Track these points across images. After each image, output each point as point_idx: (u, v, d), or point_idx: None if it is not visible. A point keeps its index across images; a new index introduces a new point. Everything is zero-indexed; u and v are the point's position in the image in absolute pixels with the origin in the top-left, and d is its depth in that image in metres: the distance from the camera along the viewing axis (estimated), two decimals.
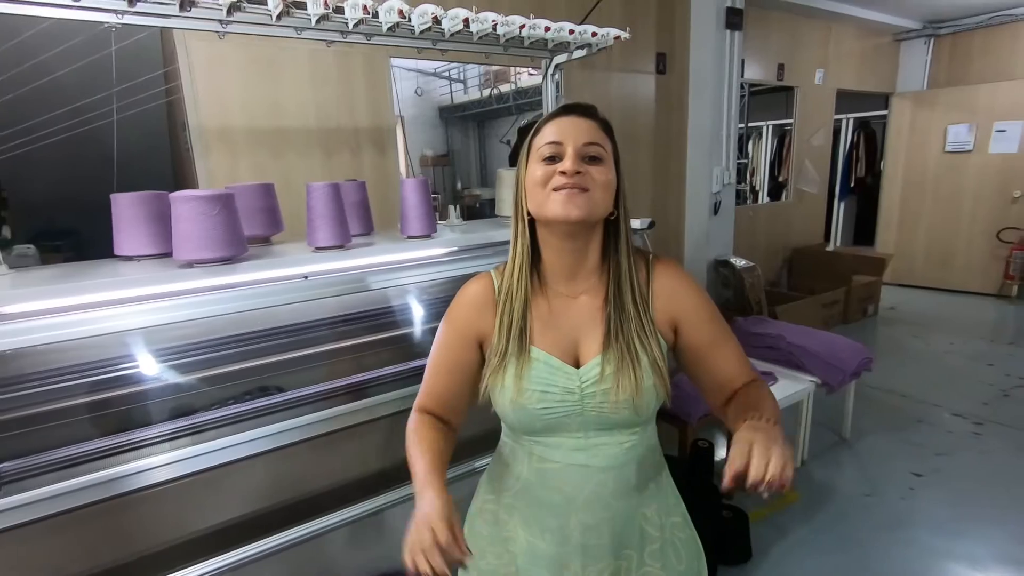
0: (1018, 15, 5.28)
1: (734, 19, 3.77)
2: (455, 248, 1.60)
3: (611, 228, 0.89)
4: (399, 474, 1.48)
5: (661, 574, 0.95)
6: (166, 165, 3.35)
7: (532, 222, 0.89)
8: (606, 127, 0.88)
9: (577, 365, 0.88)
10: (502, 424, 0.99)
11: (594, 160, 0.84)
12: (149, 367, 1.23)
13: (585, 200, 0.82)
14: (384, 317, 1.55)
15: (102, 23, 1.22)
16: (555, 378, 0.87)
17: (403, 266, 1.47)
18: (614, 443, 0.89)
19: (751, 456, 0.69)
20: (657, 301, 0.91)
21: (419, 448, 0.88)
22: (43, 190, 3.15)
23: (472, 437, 1.20)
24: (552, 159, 0.83)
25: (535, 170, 0.85)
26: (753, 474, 0.68)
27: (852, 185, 6.90)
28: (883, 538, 2.22)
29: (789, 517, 2.36)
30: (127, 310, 1.10)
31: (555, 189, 0.82)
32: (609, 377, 0.85)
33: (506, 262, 0.93)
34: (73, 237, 3.33)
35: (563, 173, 0.81)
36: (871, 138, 6.80)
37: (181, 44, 2.23)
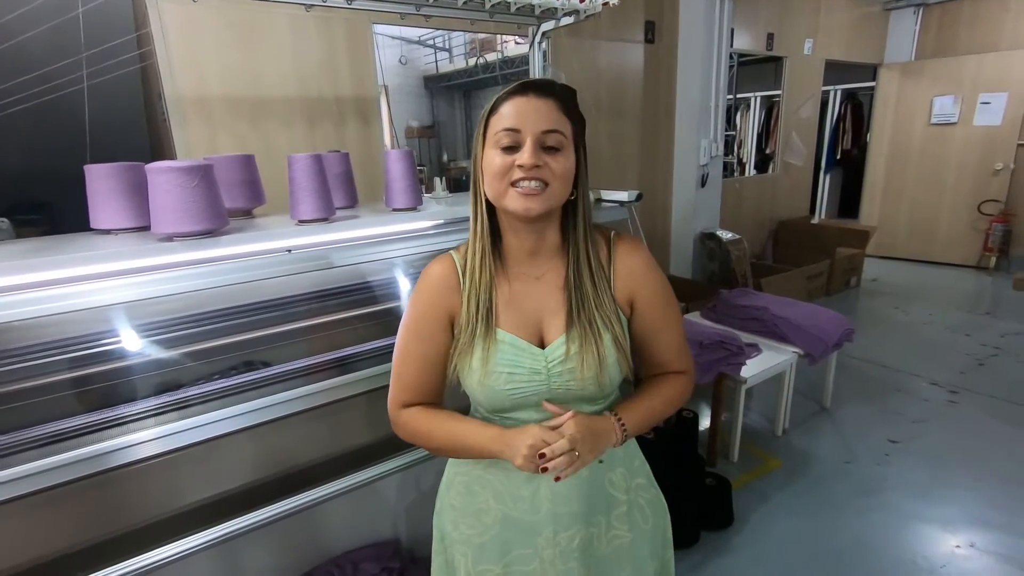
0: None
1: None
2: (441, 221, 1.58)
3: (570, 208, 0.89)
4: (384, 447, 1.49)
5: (628, 535, 0.99)
6: (142, 135, 3.26)
7: (490, 203, 0.88)
8: (567, 104, 0.84)
9: (542, 345, 0.90)
10: (471, 400, 1.01)
11: (552, 150, 0.82)
12: (131, 342, 1.22)
13: (544, 196, 0.82)
14: (369, 291, 1.54)
15: None
16: (521, 359, 0.88)
17: (388, 239, 1.45)
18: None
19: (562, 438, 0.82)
20: (618, 280, 0.92)
21: (448, 426, 0.91)
22: (14, 161, 3.05)
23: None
24: (510, 149, 0.81)
25: (493, 157, 0.83)
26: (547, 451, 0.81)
27: (838, 157, 6.92)
28: (860, 502, 2.30)
29: (770, 483, 2.43)
30: (107, 284, 1.08)
31: (513, 183, 0.82)
32: (574, 356, 0.87)
33: (466, 243, 0.93)
34: (47, 210, 3.25)
35: (521, 166, 0.80)
36: (858, 110, 6.80)
37: (153, 7, 2.14)
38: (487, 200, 0.87)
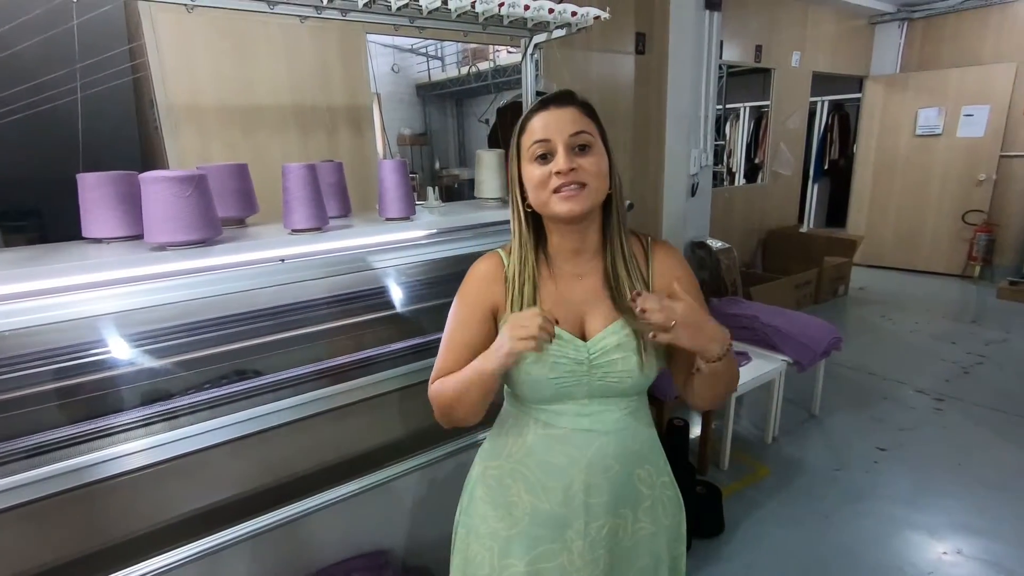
0: (988, 0, 5.37)
1: (713, 0, 3.76)
2: (434, 230, 1.59)
3: (607, 206, 0.95)
4: (376, 457, 1.49)
5: (651, 528, 1.04)
6: (134, 144, 3.24)
7: (530, 211, 0.94)
8: (588, 109, 0.91)
9: (584, 339, 0.94)
10: (505, 396, 1.07)
11: (584, 149, 0.88)
12: (122, 353, 1.21)
13: (584, 195, 0.88)
14: (362, 300, 1.54)
15: None
16: (565, 350, 0.92)
17: (382, 249, 1.46)
18: (616, 409, 0.96)
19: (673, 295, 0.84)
20: (656, 279, 0.98)
21: (457, 375, 0.94)
22: (3, 169, 3.03)
23: None
24: (544, 157, 0.88)
25: (531, 171, 0.90)
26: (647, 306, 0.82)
27: (826, 167, 7.01)
28: (848, 510, 2.32)
29: (760, 491, 2.44)
30: (98, 294, 1.08)
31: (555, 191, 0.88)
32: (614, 349, 0.92)
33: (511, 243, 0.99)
34: (37, 217, 3.23)
35: (558, 173, 0.86)
36: (844, 121, 6.90)
37: (147, 18, 2.14)
38: (527, 211, 0.94)
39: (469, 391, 0.93)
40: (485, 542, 1.03)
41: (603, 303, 0.95)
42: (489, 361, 0.88)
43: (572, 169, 0.86)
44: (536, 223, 0.97)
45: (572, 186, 0.87)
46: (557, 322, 0.87)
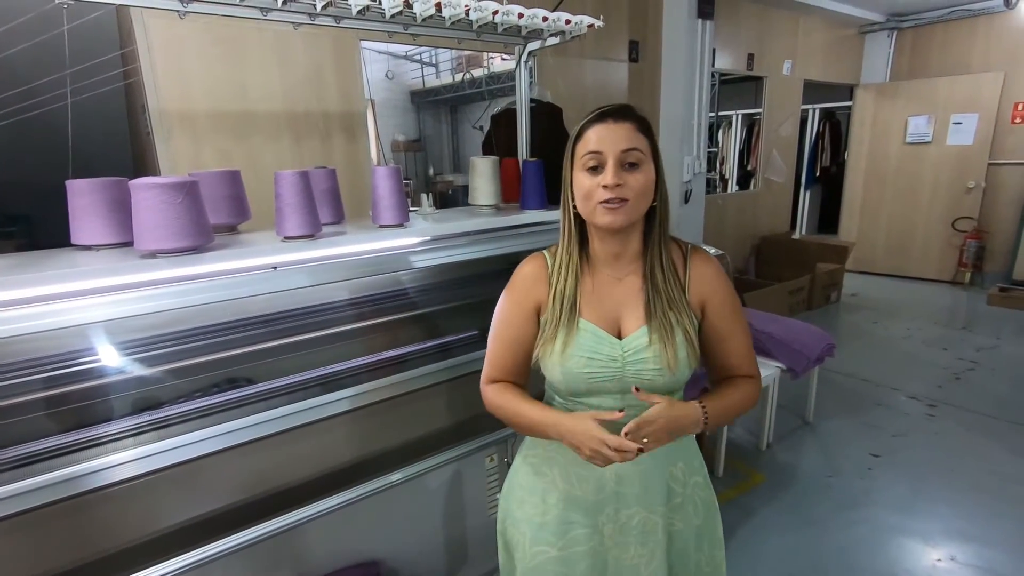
0: (975, 10, 5.44)
1: (706, 8, 3.79)
2: (428, 238, 1.59)
3: (651, 216, 1.00)
4: (368, 467, 1.47)
5: (680, 526, 1.08)
6: (125, 149, 3.22)
7: (579, 216, 1.00)
8: (643, 125, 0.96)
9: (620, 337, 1.00)
10: (546, 387, 1.11)
11: (633, 166, 0.94)
12: (111, 361, 1.19)
13: (625, 211, 0.94)
14: (354, 308, 1.53)
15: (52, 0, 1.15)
16: (600, 347, 0.98)
17: (375, 256, 1.45)
18: (647, 405, 0.98)
19: (642, 422, 0.92)
20: (692, 285, 1.03)
21: (517, 403, 1.03)
22: None
23: (475, 416, 1.24)
24: (595, 169, 0.94)
25: (581, 179, 0.95)
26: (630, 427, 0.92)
27: (817, 174, 7.07)
28: (843, 516, 2.32)
29: (755, 498, 2.44)
30: (87, 302, 1.06)
31: (600, 202, 0.93)
32: (648, 348, 0.97)
33: (557, 244, 1.06)
34: (25, 223, 3.19)
35: (605, 187, 0.92)
36: (836, 128, 6.97)
37: (139, 23, 2.13)
38: (576, 213, 1.00)
39: (522, 428, 1.05)
40: (521, 526, 1.10)
41: (639, 305, 1.00)
42: (551, 434, 0.98)
43: (618, 185, 0.91)
44: (581, 225, 1.02)
45: (615, 201, 0.92)
46: (622, 411, 0.94)
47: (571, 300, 1.00)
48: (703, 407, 0.98)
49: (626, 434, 0.90)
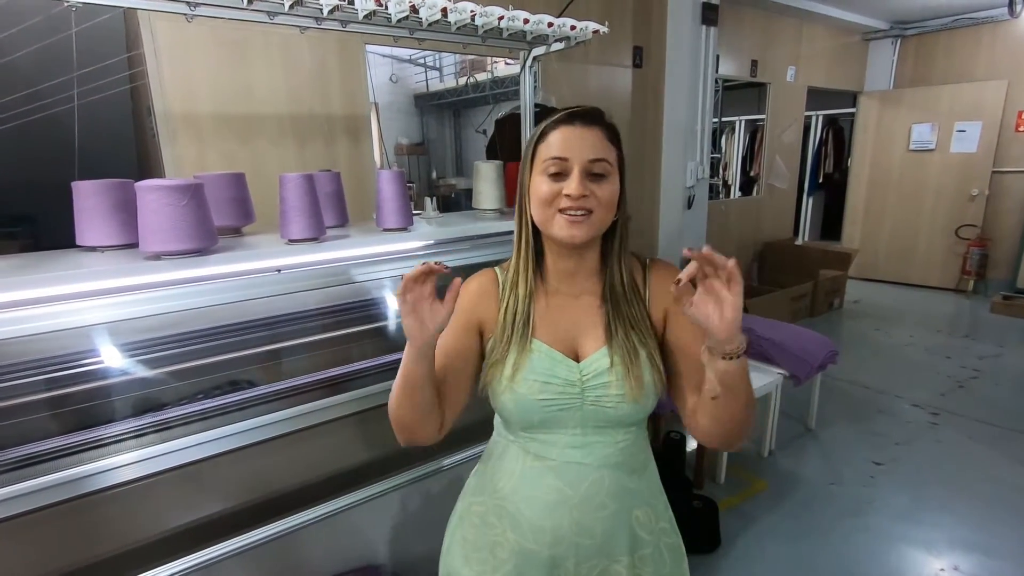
0: (979, 19, 5.45)
1: (710, 15, 3.80)
2: (432, 241, 1.59)
3: (611, 230, 0.91)
4: (370, 470, 1.47)
5: None
6: (130, 150, 3.23)
7: (535, 225, 0.90)
8: (612, 133, 0.88)
9: (577, 360, 0.90)
10: (495, 423, 1.00)
11: (599, 177, 0.85)
12: (114, 362, 1.19)
13: (589, 224, 0.84)
14: (359, 311, 1.53)
15: (62, 2, 1.16)
16: (557, 370, 0.88)
17: (379, 259, 1.45)
18: (610, 441, 0.91)
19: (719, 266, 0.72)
20: (653, 298, 0.94)
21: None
22: None
23: (471, 423, 1.16)
24: (558, 175, 0.84)
25: (540, 184, 0.85)
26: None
27: (820, 181, 7.06)
28: (845, 525, 2.31)
29: (756, 505, 2.43)
30: (92, 303, 1.07)
31: (560, 210, 0.84)
32: (608, 371, 0.87)
33: (509, 259, 0.96)
34: (29, 224, 3.20)
35: (568, 196, 0.83)
36: (839, 135, 6.96)
37: (146, 26, 2.14)
38: (533, 224, 0.89)
39: (405, 391, 0.85)
40: None
41: (598, 325, 0.91)
42: (408, 354, 0.81)
43: (583, 195, 0.83)
44: (538, 237, 0.92)
45: (579, 212, 0.83)
46: (447, 269, 0.78)
47: (524, 317, 0.90)
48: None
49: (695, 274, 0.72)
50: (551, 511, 0.90)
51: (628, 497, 0.93)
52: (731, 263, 0.71)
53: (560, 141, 0.84)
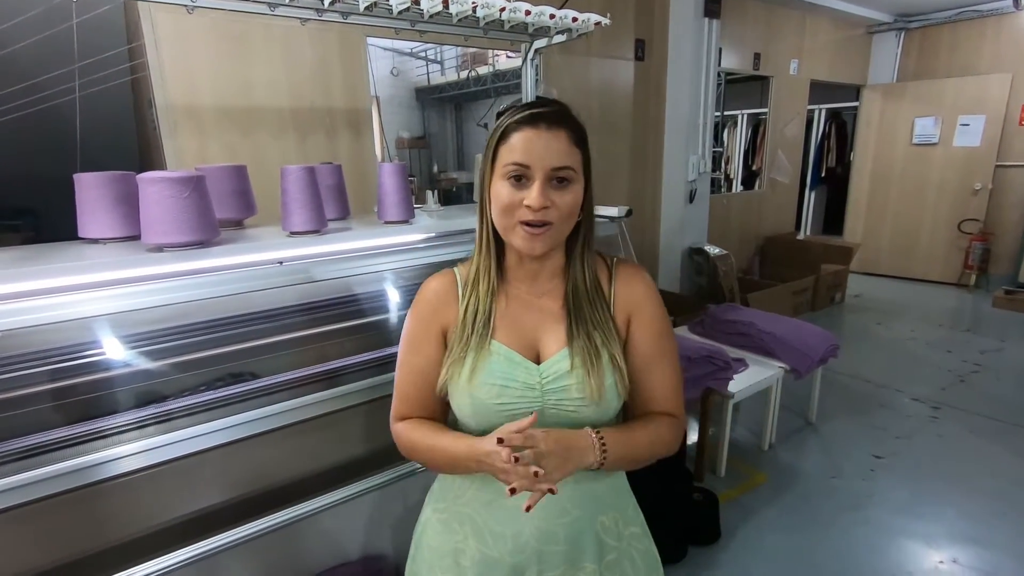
0: (984, 11, 5.41)
1: (712, 7, 3.78)
2: (433, 234, 1.59)
3: (574, 232, 0.89)
4: (372, 461, 1.48)
5: None
6: (131, 143, 3.23)
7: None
8: (579, 135, 0.84)
9: (538, 362, 0.88)
10: (456, 423, 0.98)
11: (562, 183, 0.82)
12: (117, 354, 1.20)
13: (548, 235, 0.83)
14: (360, 303, 1.54)
15: None
16: (515, 372, 0.86)
17: (380, 252, 1.45)
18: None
19: (531, 449, 0.76)
20: (618, 300, 0.92)
21: (432, 438, 0.89)
22: None
23: None
24: (519, 179, 0.81)
25: (500, 189, 0.82)
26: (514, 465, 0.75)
27: (823, 175, 7.04)
28: (845, 518, 2.31)
29: (756, 498, 2.44)
30: (94, 295, 1.07)
31: (521, 222, 0.82)
32: (569, 374, 0.86)
33: (468, 258, 0.95)
34: (30, 216, 3.21)
35: (528, 206, 0.80)
36: (842, 129, 6.94)
37: (146, 18, 2.14)
38: (493, 223, 0.87)
39: (441, 467, 0.91)
40: None
41: (560, 326, 0.89)
42: (470, 464, 0.82)
43: (545, 207, 0.80)
44: (499, 236, 0.88)
45: (538, 225, 0.81)
46: (533, 414, 0.79)
47: (484, 317, 0.88)
48: (599, 437, 0.82)
49: (499, 439, 0.77)
50: (511, 518, 0.89)
51: (592, 502, 0.91)
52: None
53: (523, 145, 0.80)
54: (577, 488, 0.89)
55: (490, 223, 0.87)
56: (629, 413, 0.96)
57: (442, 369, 0.90)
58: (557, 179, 0.81)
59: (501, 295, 0.91)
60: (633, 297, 0.92)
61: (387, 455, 1.51)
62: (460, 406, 0.89)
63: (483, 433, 0.87)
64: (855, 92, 6.35)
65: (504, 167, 0.81)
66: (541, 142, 0.80)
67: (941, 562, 2.07)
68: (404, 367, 0.94)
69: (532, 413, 0.82)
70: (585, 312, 0.88)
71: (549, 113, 0.81)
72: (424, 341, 0.92)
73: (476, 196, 0.89)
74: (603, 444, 0.82)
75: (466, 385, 0.86)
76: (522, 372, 0.86)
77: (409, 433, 0.92)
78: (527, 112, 0.82)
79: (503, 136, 0.82)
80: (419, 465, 1.52)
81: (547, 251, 0.85)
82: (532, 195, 0.80)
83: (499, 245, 0.90)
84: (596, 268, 0.93)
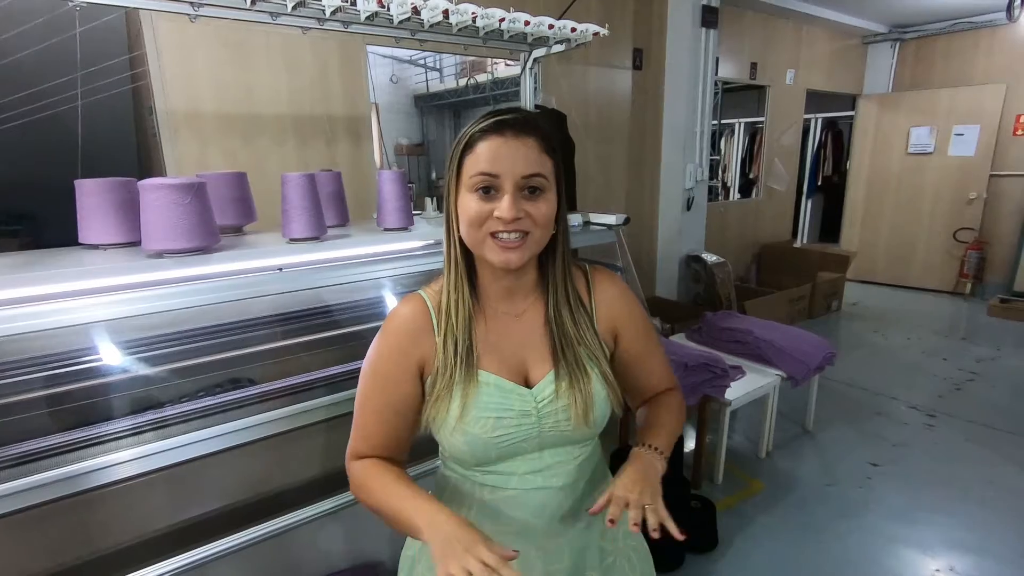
0: (978, 23, 5.47)
1: (710, 17, 3.82)
2: (432, 241, 1.60)
3: (549, 245, 0.84)
4: None
5: None
6: (130, 149, 3.24)
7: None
8: (548, 143, 0.79)
9: (528, 386, 0.84)
10: (440, 455, 0.93)
11: (534, 192, 0.77)
12: (117, 360, 1.20)
13: (524, 247, 0.77)
14: (360, 310, 1.54)
15: (67, 2, 1.17)
16: (509, 402, 0.82)
17: (380, 259, 1.46)
18: (568, 459, 0.87)
19: (625, 501, 0.76)
20: (600, 311, 0.90)
21: (388, 488, 0.80)
22: None
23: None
24: (487, 191, 0.76)
25: (468, 202, 0.76)
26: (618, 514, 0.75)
27: (819, 183, 7.09)
28: (841, 525, 2.31)
29: (754, 506, 2.44)
30: (94, 301, 1.07)
31: (492, 234, 0.76)
32: (563, 394, 0.83)
33: (436, 281, 0.87)
34: (30, 221, 3.21)
35: (500, 218, 0.75)
36: (838, 138, 6.99)
37: (148, 26, 2.15)
38: (461, 239, 0.81)
39: (389, 522, 0.81)
40: None
41: (546, 344, 0.85)
42: (418, 522, 0.74)
43: (517, 218, 0.75)
44: (468, 254, 0.83)
45: (513, 235, 0.75)
46: (516, 552, 0.70)
47: (466, 347, 0.81)
48: (653, 448, 0.85)
49: (611, 520, 0.74)
50: (514, 544, 0.82)
51: (595, 518, 0.87)
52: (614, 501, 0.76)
53: (489, 154, 0.75)
54: (575, 501, 0.89)
55: (458, 241, 0.81)
56: (633, 399, 0.99)
57: (425, 408, 0.84)
58: (529, 188, 0.76)
59: (480, 318, 0.85)
60: (615, 305, 0.91)
61: None
62: (452, 446, 0.83)
63: (478, 465, 0.85)
64: (851, 101, 6.40)
65: (471, 178, 0.76)
66: (508, 150, 0.75)
67: (937, 570, 2.07)
68: (370, 403, 0.85)
69: (533, 436, 0.83)
70: (568, 329, 0.85)
71: (515, 120, 0.77)
72: (400, 377, 0.83)
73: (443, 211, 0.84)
74: (659, 451, 0.85)
75: (457, 423, 0.80)
76: (516, 400, 0.82)
77: (360, 477, 0.84)
78: (492, 120, 0.77)
79: (468, 146, 0.77)
80: (418, 472, 1.52)
81: (524, 264, 0.79)
82: (503, 206, 0.74)
83: (468, 263, 0.84)
84: (575, 280, 0.89)
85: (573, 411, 0.83)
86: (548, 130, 0.80)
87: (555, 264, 0.85)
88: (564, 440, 0.85)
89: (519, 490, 0.85)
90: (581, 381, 0.83)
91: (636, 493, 0.76)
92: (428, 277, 0.97)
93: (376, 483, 0.82)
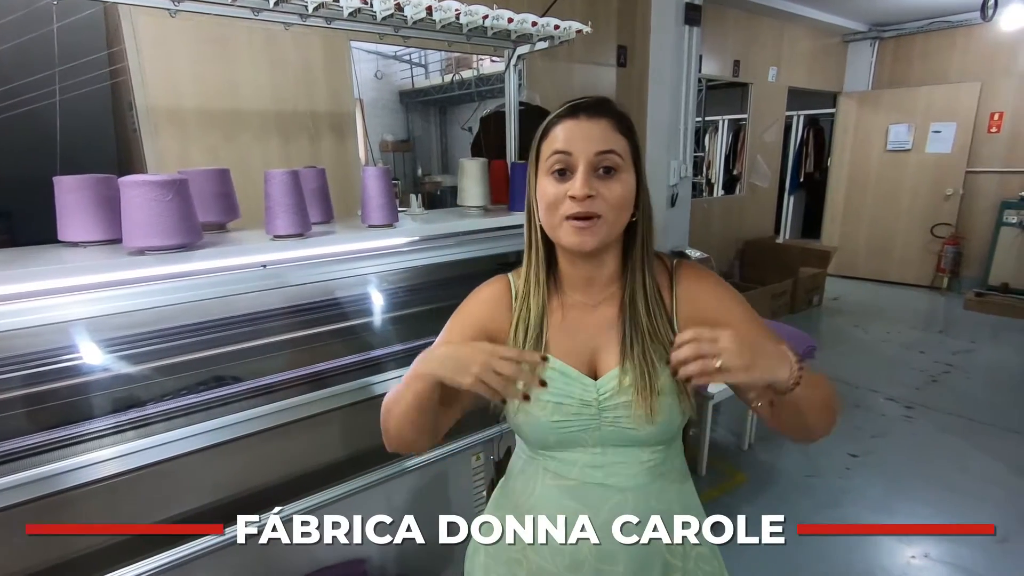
0: (954, 22, 5.57)
1: (692, 15, 3.85)
2: (417, 238, 1.60)
3: (630, 230, 0.83)
4: (353, 464, 1.48)
5: None
6: (109, 146, 3.19)
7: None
8: (623, 124, 0.79)
9: (595, 376, 0.83)
10: (516, 437, 0.94)
11: (608, 172, 0.77)
12: (98, 358, 1.19)
13: (597, 229, 0.77)
14: (343, 307, 1.54)
15: None
16: (571, 389, 0.81)
17: (364, 255, 1.47)
18: (634, 461, 0.83)
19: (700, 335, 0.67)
20: (681, 307, 0.85)
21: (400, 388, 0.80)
22: None
23: None
24: (563, 173, 0.77)
25: (545, 186, 0.78)
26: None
27: (801, 180, 7.18)
28: (822, 515, 2.37)
29: (737, 497, 2.48)
30: (75, 298, 1.06)
31: (567, 217, 0.77)
32: (627, 390, 0.80)
33: (522, 267, 0.89)
34: (6, 219, 3.15)
35: (573, 198, 0.75)
36: (819, 135, 7.08)
37: (127, 21, 2.12)
38: (541, 228, 0.82)
39: (403, 406, 0.79)
40: None
41: (618, 337, 0.83)
42: (419, 368, 0.76)
43: (589, 196, 0.75)
44: (550, 241, 0.84)
45: (584, 218, 0.76)
46: (545, 359, 0.76)
47: (537, 331, 0.83)
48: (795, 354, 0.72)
49: (678, 365, 0.67)
50: (570, 532, 0.83)
51: (662, 515, 0.84)
52: (685, 341, 0.67)
53: (564, 135, 0.77)
54: (640, 506, 0.83)
55: (538, 229, 0.83)
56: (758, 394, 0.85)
57: None
58: (603, 168, 0.76)
59: (556, 305, 0.86)
60: (701, 300, 0.84)
61: (370, 458, 1.52)
62: (517, 424, 0.86)
63: (539, 448, 0.85)
64: (832, 99, 6.49)
65: (547, 160, 0.78)
66: (582, 130, 0.77)
67: (913, 557, 2.13)
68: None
69: (593, 428, 0.80)
70: (642, 324, 0.81)
71: (589, 103, 0.79)
72: (464, 336, 0.86)
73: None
74: (800, 365, 0.70)
75: (520, 403, 0.81)
76: (578, 388, 0.81)
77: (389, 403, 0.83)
78: (567, 106, 0.80)
79: (544, 133, 0.80)
80: (403, 467, 1.53)
81: (598, 247, 0.78)
82: (576, 184, 0.75)
83: (549, 250, 0.85)
84: (656, 272, 0.85)
85: (635, 409, 0.79)
86: (624, 113, 0.81)
87: (636, 254, 0.83)
88: (627, 439, 0.82)
89: (579, 482, 0.84)
90: (648, 379, 0.79)
91: (728, 351, 0.65)
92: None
93: (393, 393, 0.82)
